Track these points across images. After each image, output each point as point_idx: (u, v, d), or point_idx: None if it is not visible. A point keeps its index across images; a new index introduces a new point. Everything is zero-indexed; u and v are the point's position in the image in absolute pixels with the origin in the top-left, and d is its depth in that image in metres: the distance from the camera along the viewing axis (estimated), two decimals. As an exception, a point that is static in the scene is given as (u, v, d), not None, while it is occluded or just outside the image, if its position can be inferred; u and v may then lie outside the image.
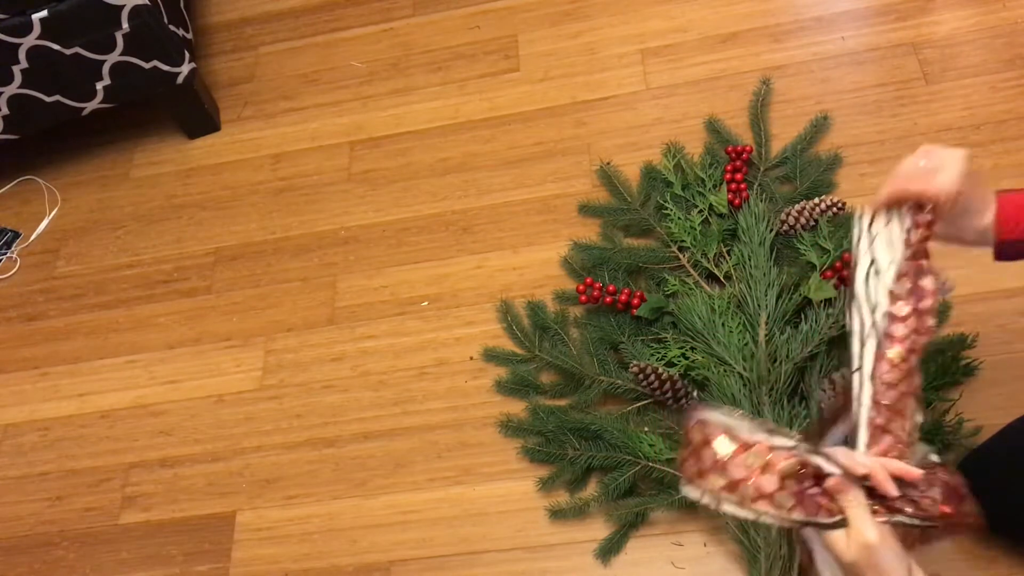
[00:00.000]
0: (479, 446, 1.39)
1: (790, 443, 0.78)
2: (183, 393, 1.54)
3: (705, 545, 1.24)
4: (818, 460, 0.77)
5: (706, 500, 0.78)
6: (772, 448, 0.78)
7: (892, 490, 0.76)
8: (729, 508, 0.77)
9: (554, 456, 1.32)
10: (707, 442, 0.79)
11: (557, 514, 1.29)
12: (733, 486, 0.77)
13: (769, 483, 0.76)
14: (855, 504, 0.75)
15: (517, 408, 1.39)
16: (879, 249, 0.86)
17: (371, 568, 1.33)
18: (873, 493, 0.77)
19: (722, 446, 0.78)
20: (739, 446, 0.78)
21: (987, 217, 0.85)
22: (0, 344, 1.67)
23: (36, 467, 1.52)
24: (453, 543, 1.32)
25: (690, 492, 0.79)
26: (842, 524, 0.75)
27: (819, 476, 0.77)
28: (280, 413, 1.49)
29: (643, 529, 1.26)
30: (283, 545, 1.37)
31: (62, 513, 1.47)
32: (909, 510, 0.77)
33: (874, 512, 0.75)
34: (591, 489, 1.30)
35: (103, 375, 1.59)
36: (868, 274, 0.86)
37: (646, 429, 1.29)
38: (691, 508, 1.24)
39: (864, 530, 0.73)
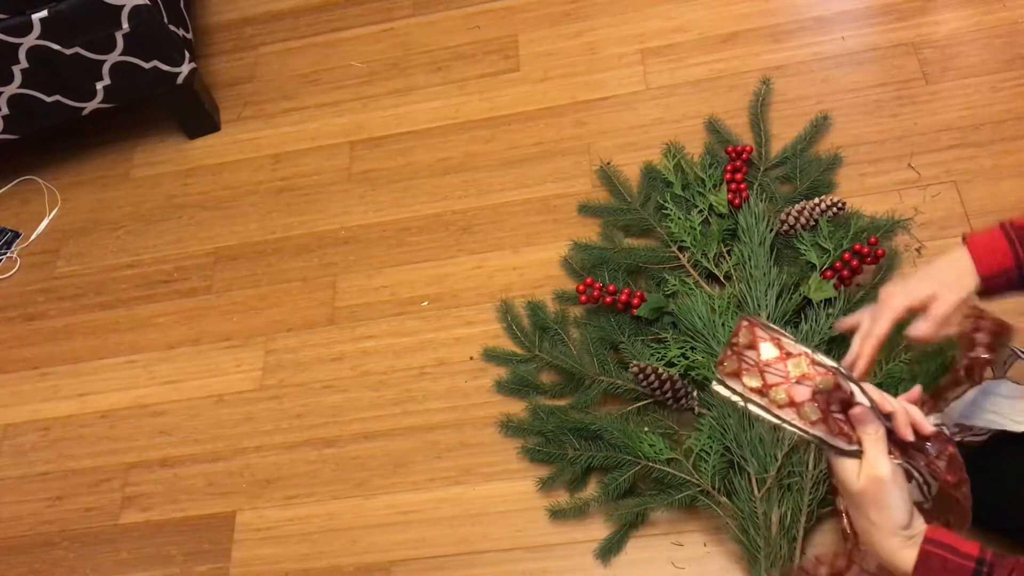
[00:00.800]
0: (479, 446, 1.39)
1: (831, 363, 0.81)
2: (183, 393, 1.54)
3: (705, 545, 1.24)
4: (852, 387, 0.80)
5: (735, 398, 0.81)
6: (813, 362, 0.81)
7: (908, 434, 0.78)
8: (755, 410, 0.80)
9: (554, 456, 1.32)
10: (752, 345, 0.83)
11: (557, 514, 1.29)
12: (766, 389, 0.81)
13: (801, 393, 0.80)
14: (875, 436, 0.77)
15: (517, 408, 1.39)
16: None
17: (371, 568, 1.33)
18: (891, 438, 0.79)
19: (767, 350, 0.82)
20: (782, 353, 0.82)
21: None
22: (0, 344, 1.67)
23: (36, 467, 1.52)
24: (453, 543, 1.32)
25: (721, 390, 0.82)
26: (858, 454, 0.77)
27: (847, 403, 0.80)
28: (280, 413, 1.49)
29: (643, 529, 1.26)
30: (283, 545, 1.37)
31: (62, 513, 1.47)
32: (920, 463, 0.80)
33: (889, 452, 0.78)
34: (591, 489, 1.30)
35: (103, 375, 1.59)
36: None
37: (646, 429, 1.29)
38: (691, 508, 1.24)
39: (878, 463, 0.75)
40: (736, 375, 0.82)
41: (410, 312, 1.54)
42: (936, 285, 0.91)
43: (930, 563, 0.71)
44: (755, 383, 0.81)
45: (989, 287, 0.90)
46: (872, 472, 0.75)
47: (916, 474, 0.82)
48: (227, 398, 1.52)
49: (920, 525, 0.75)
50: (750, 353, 0.82)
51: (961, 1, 1.63)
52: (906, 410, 0.79)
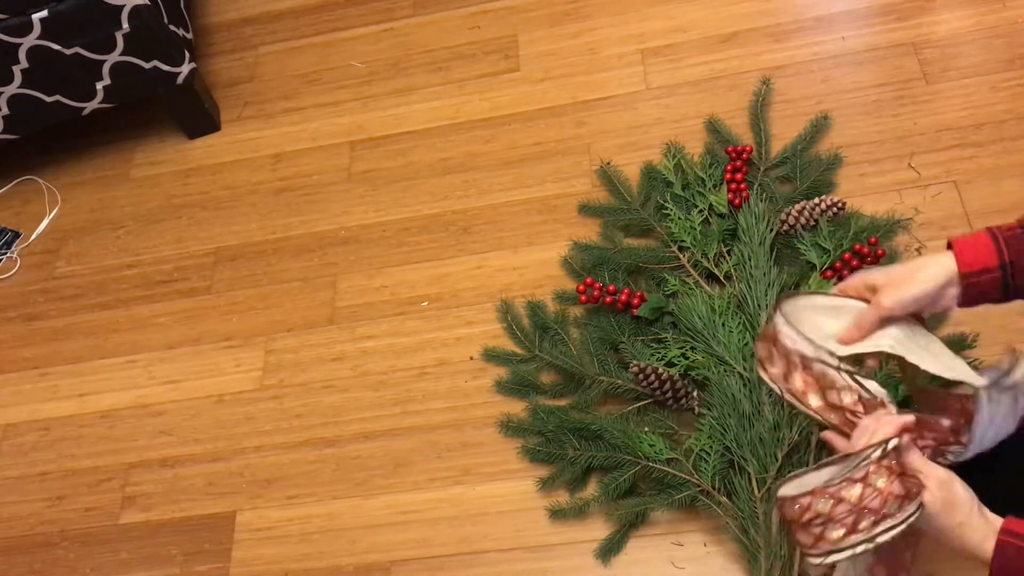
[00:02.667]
0: (479, 446, 1.39)
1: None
2: (183, 393, 1.54)
3: (705, 545, 1.24)
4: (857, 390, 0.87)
5: (765, 380, 0.92)
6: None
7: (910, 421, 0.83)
8: (787, 396, 0.90)
9: (554, 456, 1.32)
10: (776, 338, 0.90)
11: (557, 514, 1.29)
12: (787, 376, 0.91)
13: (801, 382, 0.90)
14: (916, 455, 0.80)
15: (517, 408, 1.39)
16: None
17: (371, 568, 1.33)
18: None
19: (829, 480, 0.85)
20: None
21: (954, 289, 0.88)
22: (0, 344, 1.67)
23: (36, 467, 1.52)
24: (453, 543, 1.32)
25: (758, 371, 0.92)
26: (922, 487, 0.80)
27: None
28: (280, 413, 1.49)
29: (643, 529, 1.26)
30: (283, 545, 1.37)
31: (62, 513, 1.47)
32: (931, 440, 0.85)
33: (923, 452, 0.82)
34: (591, 489, 1.30)
35: (103, 375, 1.59)
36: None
37: (646, 429, 1.29)
38: (691, 508, 1.24)
39: (932, 472, 0.79)
40: (768, 361, 0.91)
41: (410, 312, 1.54)
42: (889, 278, 0.88)
43: (1007, 552, 0.75)
44: (777, 370, 0.92)
45: (970, 289, 0.86)
46: (935, 482, 0.79)
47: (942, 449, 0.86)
48: (227, 398, 1.52)
49: (989, 513, 0.79)
50: (778, 346, 0.91)
51: (961, 1, 1.63)
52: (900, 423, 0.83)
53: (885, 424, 0.82)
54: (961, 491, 0.79)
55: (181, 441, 1.50)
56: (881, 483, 0.77)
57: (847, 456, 0.82)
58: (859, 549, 0.79)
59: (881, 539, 0.77)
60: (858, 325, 0.90)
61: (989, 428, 0.85)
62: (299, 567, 1.35)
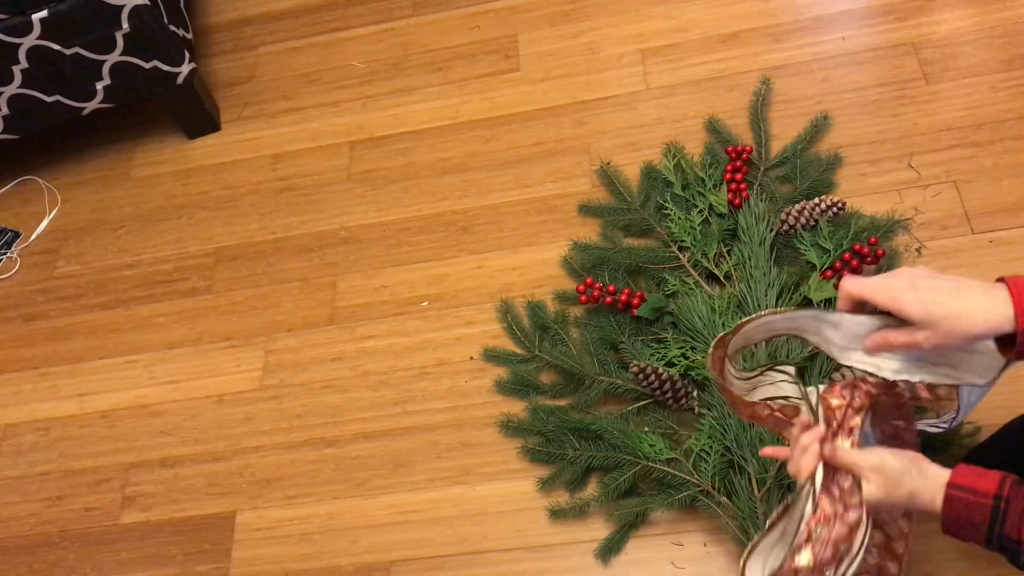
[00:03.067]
0: (479, 446, 1.39)
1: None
2: (183, 393, 1.54)
3: (705, 545, 1.24)
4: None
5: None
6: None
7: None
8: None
9: (554, 456, 1.32)
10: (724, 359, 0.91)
11: (557, 514, 1.29)
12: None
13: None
14: (840, 451, 0.81)
15: (517, 408, 1.39)
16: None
17: (371, 568, 1.33)
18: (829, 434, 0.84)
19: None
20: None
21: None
22: (0, 344, 1.67)
23: (36, 467, 1.52)
24: (453, 543, 1.32)
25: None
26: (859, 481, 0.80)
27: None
28: (280, 413, 1.49)
29: (643, 529, 1.26)
30: (283, 545, 1.37)
31: (62, 513, 1.47)
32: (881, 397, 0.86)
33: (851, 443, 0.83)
34: (591, 489, 1.30)
35: (103, 375, 1.59)
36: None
37: (646, 429, 1.29)
38: (691, 508, 1.24)
39: (864, 459, 0.80)
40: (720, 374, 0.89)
41: (410, 312, 1.54)
42: (927, 313, 0.74)
43: (955, 505, 0.76)
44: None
45: None
46: (869, 470, 0.79)
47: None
48: (227, 398, 1.52)
49: (933, 468, 0.79)
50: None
51: (961, 1, 1.63)
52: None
53: (806, 461, 0.82)
54: (896, 463, 0.79)
55: (181, 441, 1.50)
56: (824, 534, 0.79)
57: (787, 509, 0.86)
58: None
59: (852, 573, 0.80)
60: (886, 343, 0.80)
61: (973, 392, 0.86)
62: (299, 567, 1.35)
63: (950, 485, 0.76)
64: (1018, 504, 0.73)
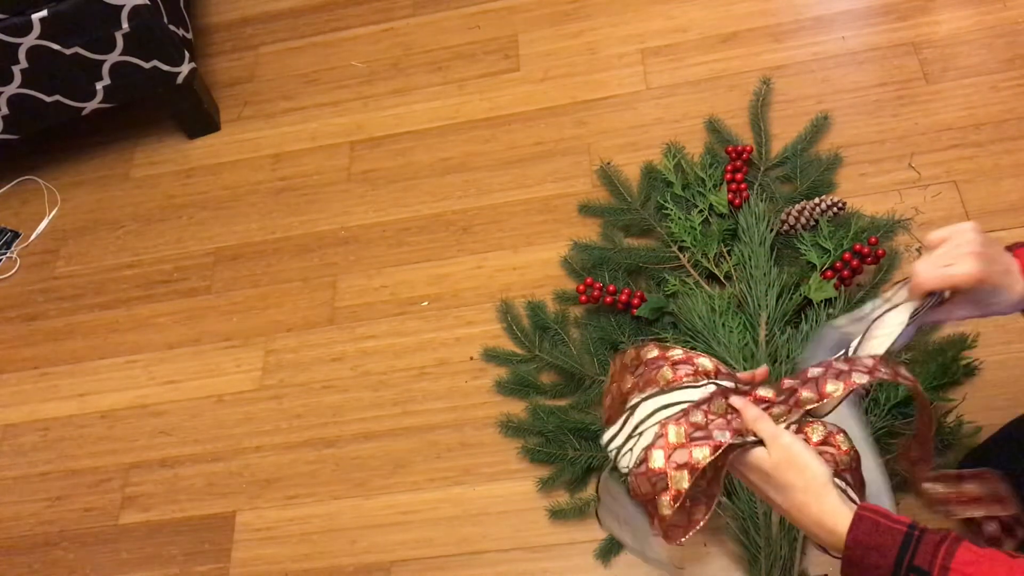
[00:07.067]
0: (479, 446, 1.39)
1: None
2: (183, 393, 1.54)
3: (705, 545, 1.24)
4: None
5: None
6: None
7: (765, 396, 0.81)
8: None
9: (554, 456, 1.32)
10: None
11: (557, 514, 1.29)
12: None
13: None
14: (759, 417, 0.78)
15: (517, 408, 1.39)
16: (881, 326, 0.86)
17: (371, 568, 1.33)
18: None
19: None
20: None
21: (1018, 286, 0.81)
22: (0, 344, 1.67)
23: (36, 467, 1.52)
24: (453, 543, 1.32)
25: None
26: (759, 442, 0.78)
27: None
28: (280, 413, 1.49)
29: (643, 529, 1.26)
30: (283, 545, 1.37)
31: (62, 513, 1.47)
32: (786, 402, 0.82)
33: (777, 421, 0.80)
34: (591, 489, 1.30)
35: (103, 375, 1.59)
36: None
37: (646, 429, 1.28)
38: (691, 508, 1.24)
39: (776, 433, 0.76)
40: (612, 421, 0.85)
41: (410, 312, 1.54)
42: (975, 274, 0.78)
43: (863, 524, 0.71)
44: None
45: None
46: (777, 443, 0.76)
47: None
48: (227, 398, 1.52)
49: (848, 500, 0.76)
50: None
51: (961, 1, 1.63)
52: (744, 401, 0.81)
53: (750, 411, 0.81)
54: (813, 462, 0.75)
55: (181, 441, 1.50)
56: (681, 457, 0.78)
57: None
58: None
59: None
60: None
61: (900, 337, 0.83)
62: (299, 567, 1.35)
63: (861, 507, 0.72)
64: (934, 536, 0.69)
